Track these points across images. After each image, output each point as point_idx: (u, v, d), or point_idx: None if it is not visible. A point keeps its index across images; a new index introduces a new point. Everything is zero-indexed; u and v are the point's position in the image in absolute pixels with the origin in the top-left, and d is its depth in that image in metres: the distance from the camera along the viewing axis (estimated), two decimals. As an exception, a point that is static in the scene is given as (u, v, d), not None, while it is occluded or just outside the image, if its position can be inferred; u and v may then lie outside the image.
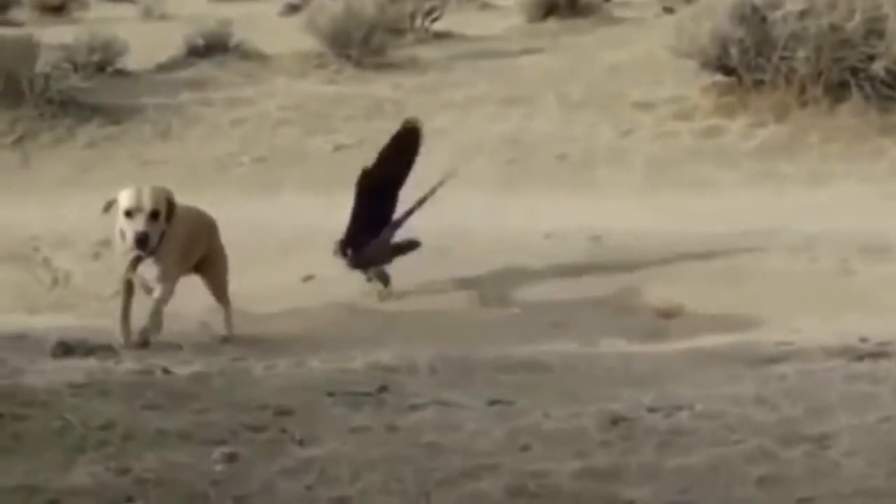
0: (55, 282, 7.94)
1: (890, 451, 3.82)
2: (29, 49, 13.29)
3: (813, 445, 3.91)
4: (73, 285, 7.86)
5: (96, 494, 3.21)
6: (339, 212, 7.22)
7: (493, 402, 4.25)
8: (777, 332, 5.99)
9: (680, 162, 9.47)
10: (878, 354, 5.16)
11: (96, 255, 8.19)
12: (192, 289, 6.27)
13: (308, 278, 7.29)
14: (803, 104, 10.05)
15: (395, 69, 13.37)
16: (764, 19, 10.19)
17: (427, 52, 14.34)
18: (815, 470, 3.69)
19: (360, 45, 13.60)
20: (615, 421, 4.02)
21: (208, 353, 5.49)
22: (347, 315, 6.73)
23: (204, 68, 13.93)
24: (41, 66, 13.07)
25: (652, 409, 4.28)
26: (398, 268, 7.14)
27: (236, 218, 7.82)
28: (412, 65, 13.62)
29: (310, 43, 13.97)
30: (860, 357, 5.08)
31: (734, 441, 3.93)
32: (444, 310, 6.69)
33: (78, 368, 4.85)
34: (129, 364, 4.98)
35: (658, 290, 6.86)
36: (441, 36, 15.42)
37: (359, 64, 13.47)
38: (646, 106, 10.52)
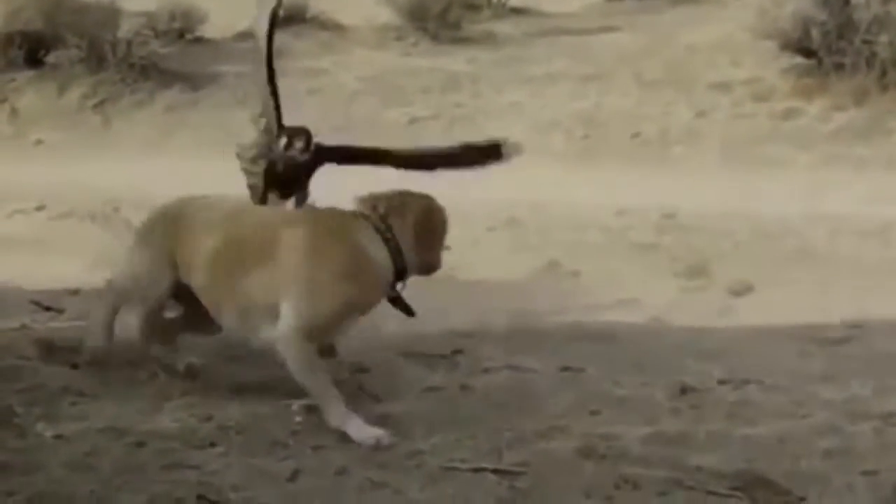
0: (135, 242, 8.10)
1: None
2: (111, 15, 13.52)
3: (880, 422, 3.95)
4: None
5: (181, 438, 3.33)
6: (414, 185, 7.30)
7: (563, 369, 4.33)
8: (846, 313, 6.00)
9: (755, 143, 9.46)
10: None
11: (175, 217, 8.36)
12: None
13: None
14: (884, 88, 9.99)
15: (471, 43, 13.42)
16: (847, 2, 10.15)
17: (503, 27, 14.37)
18: (881, 445, 3.73)
19: (437, 19, 13.67)
20: (684, 390, 4.08)
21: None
22: (424, 283, 6.80)
23: (281, 38, 14.02)
24: (123, 32, 13.30)
25: (721, 382, 4.33)
26: (471, 240, 7.21)
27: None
28: (488, 40, 13.66)
29: (387, 15, 14.06)
30: (929, 340, 5.09)
31: (801, 415, 3.98)
32: (516, 280, 6.76)
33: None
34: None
35: (729, 269, 6.88)
36: (518, 11, 15.43)
37: (435, 37, 13.55)
38: (723, 86, 10.50)
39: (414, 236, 3.69)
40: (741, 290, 6.59)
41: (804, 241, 7.33)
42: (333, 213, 3.75)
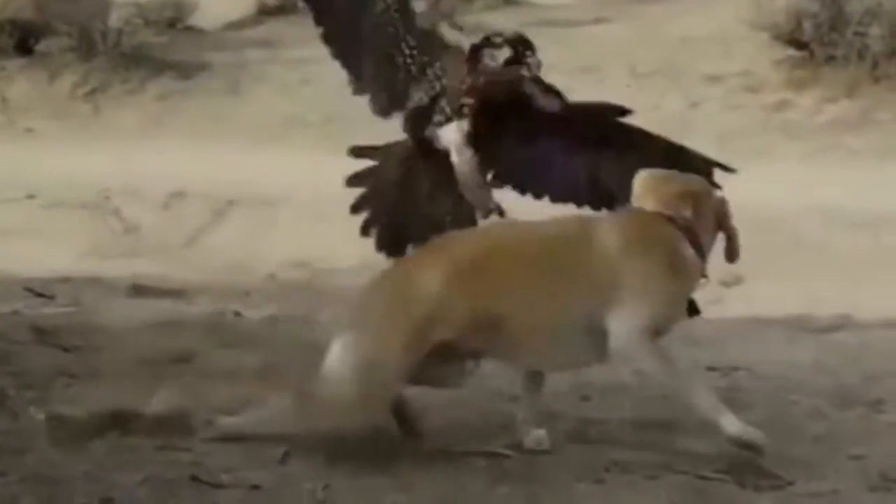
0: (126, 230, 8.13)
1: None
2: (102, 4, 13.51)
3: (867, 409, 3.99)
4: (143, 234, 8.04)
5: (174, 420, 3.34)
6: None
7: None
8: (837, 304, 6.04)
9: (747, 135, 9.49)
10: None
11: (166, 206, 8.38)
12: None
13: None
14: (875, 80, 10.03)
15: (464, 35, 13.41)
16: (839, -5, 10.19)
17: (496, 18, 14.34)
18: (868, 431, 3.78)
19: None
20: (674, 377, 4.10)
21: (277, 300, 5.63)
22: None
23: (273, 27, 14.06)
24: (114, 20, 13.29)
25: (711, 368, 4.38)
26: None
27: (301, 178, 7.99)
28: (481, 31, 13.62)
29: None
30: (909, 331, 5.13)
31: (791, 401, 4.02)
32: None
33: (151, 308, 5.02)
34: (201, 306, 5.13)
35: (720, 261, 6.89)
36: (510, 3, 15.43)
37: (427, 29, 13.54)
38: (715, 78, 10.53)
39: (713, 236, 3.61)
40: (732, 282, 6.61)
41: (796, 233, 7.37)
42: (633, 216, 3.51)
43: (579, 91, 10.66)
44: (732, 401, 3.92)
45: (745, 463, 3.32)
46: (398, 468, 3.12)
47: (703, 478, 3.24)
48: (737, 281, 6.65)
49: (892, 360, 4.65)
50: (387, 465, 3.13)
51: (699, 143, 9.32)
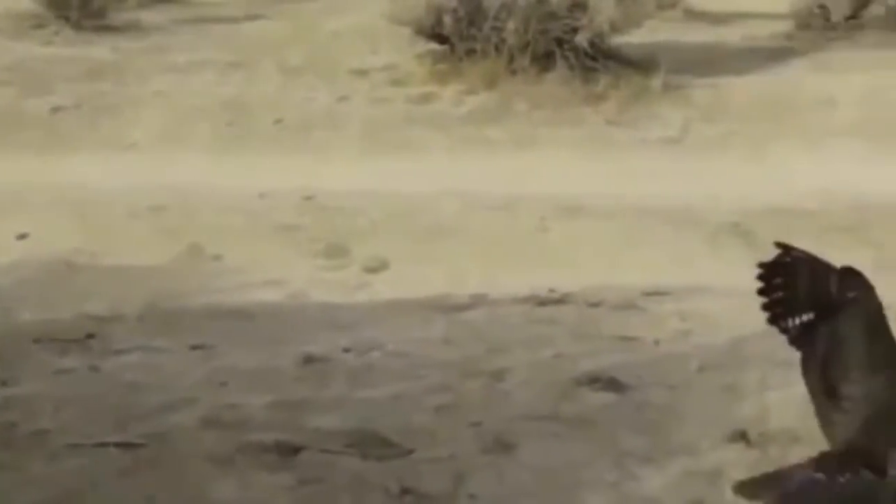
0: None
1: (556, 381, 4.26)
2: None
3: (489, 378, 4.31)
4: None
5: None
6: (53, 173, 7.28)
7: (195, 347, 4.47)
8: (474, 285, 6.39)
9: (393, 127, 9.79)
10: (559, 301, 5.62)
11: None
12: None
13: (22, 237, 7.29)
14: (512, 73, 10.52)
15: (116, 32, 13.21)
16: (476, -10, 10.62)
17: (150, 16, 14.18)
18: (488, 399, 4.08)
19: (79, 8, 13.38)
20: (309, 360, 4.31)
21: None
22: (63, 271, 6.77)
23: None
24: None
25: (346, 350, 4.60)
26: (112, 227, 7.21)
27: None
28: (134, 28, 13.47)
29: (25, 4, 13.66)
30: (542, 303, 5.52)
31: (418, 376, 4.28)
32: (156, 265, 6.80)
33: None
34: None
35: (366, 247, 7.17)
36: (164, 0, 15.29)
37: (78, 26, 13.24)
38: (362, 72, 10.82)
39: None
40: (377, 267, 6.88)
41: (437, 218, 7.71)
42: None
43: (233, 85, 10.81)
44: (364, 379, 4.18)
45: (368, 436, 3.54)
46: (27, 464, 3.18)
47: (328, 451, 3.44)
48: (382, 266, 6.94)
49: (517, 333, 5.01)
50: (16, 462, 3.17)
51: (348, 136, 9.68)
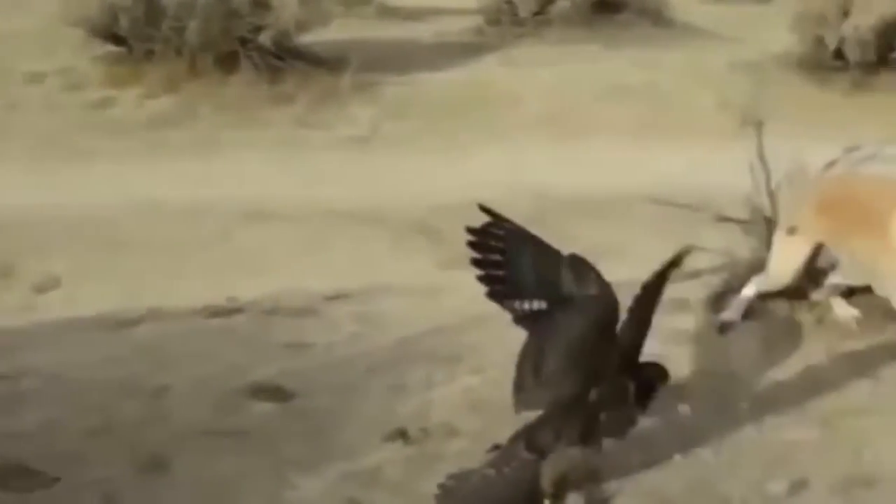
0: None
1: (220, 394, 4.12)
2: None
3: (150, 396, 4.11)
4: None
5: None
6: None
7: None
8: (150, 298, 6.11)
9: (68, 134, 9.36)
10: (235, 310, 5.42)
11: None
12: None
13: None
14: (195, 75, 10.24)
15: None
16: (153, -11, 10.25)
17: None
18: (146, 418, 3.90)
19: None
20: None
21: None
22: None
23: None
24: None
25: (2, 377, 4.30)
26: None
27: None
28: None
29: None
30: (216, 314, 5.32)
31: (72, 400, 4.04)
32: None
33: None
34: None
35: (36, 264, 6.79)
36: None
37: None
38: (35, 77, 10.31)
39: None
40: (47, 286, 6.53)
41: (115, 230, 7.38)
42: None
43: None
44: (10, 408, 3.90)
45: (12, 468, 3.32)
46: None
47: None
48: (53, 284, 6.58)
49: (186, 346, 4.80)
50: None
51: (18, 146, 9.16)
